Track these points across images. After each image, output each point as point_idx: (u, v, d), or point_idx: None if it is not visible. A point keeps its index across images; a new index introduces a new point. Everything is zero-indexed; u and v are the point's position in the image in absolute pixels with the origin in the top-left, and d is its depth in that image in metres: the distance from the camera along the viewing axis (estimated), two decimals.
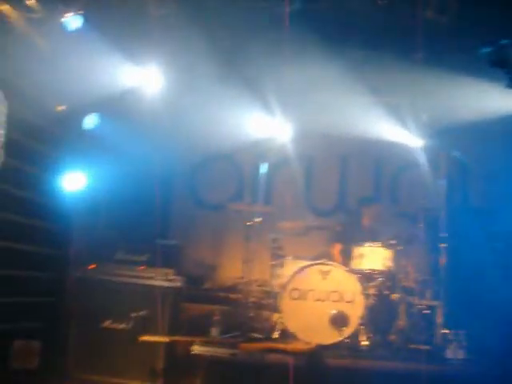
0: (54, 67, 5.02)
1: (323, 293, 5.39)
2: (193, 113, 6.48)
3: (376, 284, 5.57)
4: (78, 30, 5.15)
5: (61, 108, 5.56)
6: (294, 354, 4.85)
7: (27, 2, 4.96)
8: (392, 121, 6.56)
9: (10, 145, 4.65)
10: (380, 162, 7.36)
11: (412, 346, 5.30)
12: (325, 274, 5.45)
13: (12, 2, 4.77)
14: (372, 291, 5.52)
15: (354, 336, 5.25)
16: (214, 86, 6.12)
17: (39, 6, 5.03)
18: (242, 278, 5.91)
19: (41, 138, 5.47)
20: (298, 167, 7.01)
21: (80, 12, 5.14)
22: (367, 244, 5.74)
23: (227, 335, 5.29)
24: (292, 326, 5.29)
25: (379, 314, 5.44)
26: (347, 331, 5.22)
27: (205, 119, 6.36)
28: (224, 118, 6.35)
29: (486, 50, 3.69)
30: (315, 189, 7.34)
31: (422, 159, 6.63)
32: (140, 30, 5.54)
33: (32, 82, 4.55)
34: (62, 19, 5.09)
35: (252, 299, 5.87)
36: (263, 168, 6.24)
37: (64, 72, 5.09)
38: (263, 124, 6.70)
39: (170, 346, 5.22)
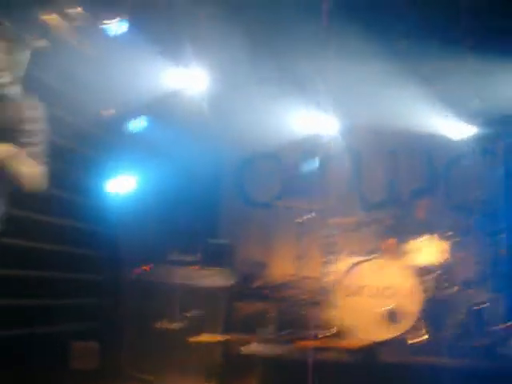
0: (100, 73, 5.10)
1: (378, 288, 5.28)
2: (238, 112, 6.46)
3: (432, 277, 5.42)
4: (122, 35, 5.22)
5: (108, 113, 5.65)
6: (350, 351, 4.78)
7: (73, 11, 5.06)
8: (442, 110, 6.39)
9: (60, 151, 4.74)
10: (431, 153, 7.16)
11: (471, 341, 5.13)
12: (379, 269, 5.34)
13: (58, 12, 4.87)
14: (428, 285, 5.38)
15: (411, 332, 5.12)
16: (260, 84, 6.10)
17: (84, 14, 5.13)
18: (295, 275, 5.84)
19: (90, 143, 5.58)
20: (346, 162, 6.92)
21: (124, 17, 5.21)
22: (422, 237, 5.60)
23: (281, 333, 5.24)
24: (347, 323, 5.20)
25: (436, 309, 5.29)
26: (403, 327, 5.09)
27: (251, 118, 6.33)
28: (270, 116, 6.31)
29: None
30: (365, 183, 7.22)
31: (476, 149, 6.43)
32: (183, 32, 5.56)
33: (79, 89, 4.63)
34: (107, 25, 5.18)
35: (305, 296, 5.81)
36: (311, 164, 6.16)
37: (110, 77, 5.17)
38: (310, 120, 6.64)
39: (224, 345, 5.22)
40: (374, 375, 4.62)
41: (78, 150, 5.48)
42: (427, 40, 5.57)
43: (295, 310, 5.70)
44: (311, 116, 6.55)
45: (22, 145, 3.09)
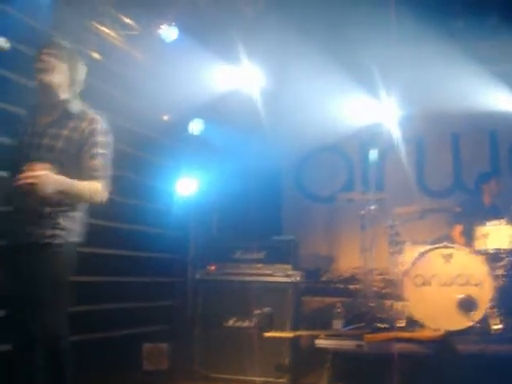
0: (155, 79, 5.20)
1: (448, 277, 5.15)
2: (296, 106, 6.44)
3: (504, 264, 5.24)
4: (174, 40, 5.30)
5: (166, 117, 5.75)
6: (423, 342, 4.68)
7: (124, 21, 5.17)
8: (505, 90, 6.16)
9: (122, 157, 4.85)
10: (495, 134, 6.92)
11: None
12: (448, 257, 5.21)
13: (110, 22, 4.99)
14: (500, 272, 5.21)
15: (485, 320, 4.97)
16: (315, 76, 6.04)
17: (136, 23, 5.23)
18: (361, 267, 5.78)
19: (150, 148, 5.71)
20: (408, 150, 6.79)
21: (174, 22, 5.28)
22: (491, 222, 5.41)
23: (351, 327, 5.19)
24: (418, 314, 5.10)
25: (510, 296, 5.12)
26: (477, 315, 4.95)
27: (308, 111, 6.30)
28: (328, 108, 6.25)
29: None
30: (428, 170, 7.06)
31: None
32: (235, 31, 5.59)
33: (136, 95, 4.74)
34: (159, 32, 5.27)
35: (373, 289, 5.74)
36: (372, 154, 6.06)
37: (166, 82, 5.26)
38: (369, 109, 6.53)
39: (294, 340, 5.23)
40: (449, 366, 4.52)
41: (140, 156, 5.61)
42: (485, 18, 5.39)
43: (364, 303, 5.64)
44: (370, 105, 6.44)
45: (92, 158, 3.23)
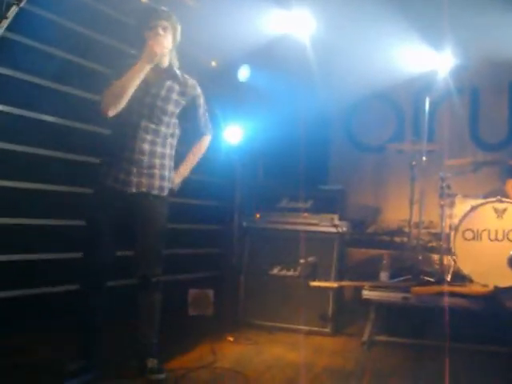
0: (204, 24, 5.08)
1: (499, 232, 5.01)
2: (346, 53, 6.23)
3: None
4: None
5: (214, 63, 5.66)
6: (471, 297, 4.60)
7: None
8: None
9: None
10: None
11: None
12: (500, 212, 5.06)
13: None
14: None
15: None
16: (368, 23, 5.81)
17: None
18: (409, 220, 5.67)
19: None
20: (462, 100, 6.55)
21: None
22: None
23: (397, 279, 5.14)
24: (466, 269, 5.01)
25: None
26: None
27: (360, 58, 6.09)
28: (380, 55, 6.03)
29: None
30: (483, 122, 6.79)
31: None
32: None
33: (185, 41, 4.64)
34: None
35: (420, 242, 5.64)
36: (425, 104, 5.85)
37: (214, 27, 5.14)
38: (423, 57, 6.28)
39: (338, 291, 5.23)
40: (498, 322, 4.45)
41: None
42: None
43: (411, 256, 5.56)
44: (424, 53, 6.18)
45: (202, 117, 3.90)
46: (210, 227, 6.31)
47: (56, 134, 4.59)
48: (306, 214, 5.48)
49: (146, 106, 3.54)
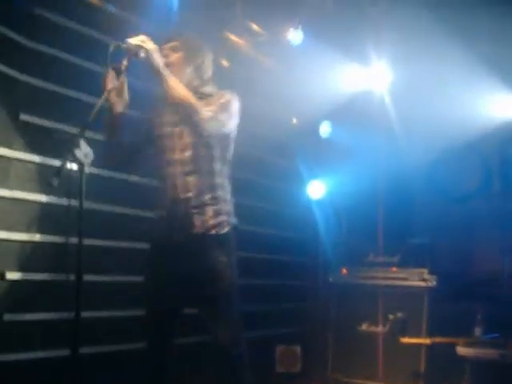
0: (284, 83, 5.24)
1: None
2: (425, 104, 6.20)
3: None
4: (300, 43, 5.31)
5: (295, 121, 5.78)
6: None
7: (251, 27, 5.27)
8: None
9: (255, 162, 4.97)
10: None
11: None
12: None
13: (238, 30, 5.10)
14: None
15: None
16: (446, 71, 5.79)
17: (262, 29, 5.31)
18: (502, 271, 5.44)
19: (281, 152, 5.77)
20: None
21: (300, 26, 5.30)
22: None
23: (494, 335, 4.90)
24: None
25: None
26: None
27: (439, 108, 6.05)
28: (459, 104, 5.96)
29: None
30: None
31: None
32: (360, 31, 5.51)
33: (265, 100, 4.81)
34: (285, 36, 5.30)
35: None
36: None
37: (293, 85, 5.28)
38: (507, 104, 6.15)
39: (431, 347, 5.04)
40: None
41: (271, 160, 5.69)
42: None
43: (506, 310, 5.30)
44: (508, 99, 6.05)
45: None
46: (296, 282, 6.30)
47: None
48: (394, 269, 5.39)
49: None
